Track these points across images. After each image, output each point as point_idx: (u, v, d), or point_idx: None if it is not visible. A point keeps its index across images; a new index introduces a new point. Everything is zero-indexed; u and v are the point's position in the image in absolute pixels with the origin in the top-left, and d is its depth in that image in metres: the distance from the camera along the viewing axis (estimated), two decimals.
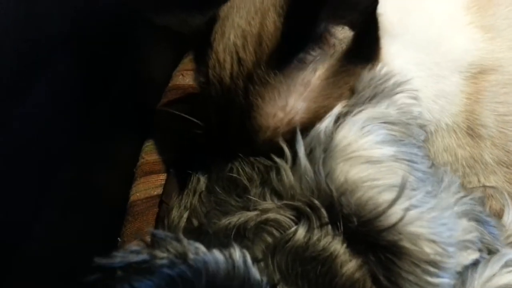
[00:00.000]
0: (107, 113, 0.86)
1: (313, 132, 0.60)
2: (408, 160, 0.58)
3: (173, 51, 1.14)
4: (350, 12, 0.65)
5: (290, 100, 0.66)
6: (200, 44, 0.74)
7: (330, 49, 0.66)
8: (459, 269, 0.56)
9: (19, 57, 0.62)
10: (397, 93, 0.64)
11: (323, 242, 0.56)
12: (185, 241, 0.51)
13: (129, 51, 0.93)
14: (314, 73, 0.66)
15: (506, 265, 0.60)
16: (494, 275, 0.59)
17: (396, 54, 0.69)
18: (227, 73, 0.69)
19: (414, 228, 0.53)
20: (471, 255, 0.58)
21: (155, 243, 0.51)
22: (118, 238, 0.83)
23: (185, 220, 0.67)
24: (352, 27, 0.66)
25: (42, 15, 0.66)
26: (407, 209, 0.53)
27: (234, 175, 0.64)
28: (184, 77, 1.08)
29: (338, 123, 0.60)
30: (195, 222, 0.65)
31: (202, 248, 0.51)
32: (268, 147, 0.66)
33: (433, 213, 0.55)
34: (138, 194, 0.88)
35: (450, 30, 0.72)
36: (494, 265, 0.59)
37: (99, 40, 0.80)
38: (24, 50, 0.63)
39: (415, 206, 0.54)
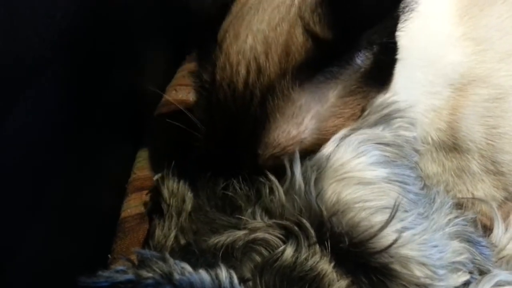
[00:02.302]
0: (98, 128, 0.87)
1: (316, 156, 0.61)
2: (401, 182, 0.60)
3: (167, 66, 1.15)
4: (374, 32, 0.64)
5: (305, 119, 0.65)
6: (206, 34, 0.72)
7: (352, 67, 0.65)
8: None
9: (3, 71, 0.62)
10: (395, 118, 0.65)
11: (310, 262, 0.56)
12: (171, 261, 0.51)
13: (121, 66, 0.93)
14: (334, 91, 0.66)
15: (496, 285, 0.61)
16: None
17: (397, 76, 0.69)
18: (240, 79, 0.66)
19: (405, 251, 0.54)
20: (462, 277, 0.59)
21: (141, 263, 0.51)
22: (109, 255, 0.82)
23: (172, 239, 0.68)
24: (374, 47, 0.66)
25: (27, 28, 0.65)
26: (399, 232, 0.55)
27: (230, 193, 0.65)
28: (177, 92, 1.08)
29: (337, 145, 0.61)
30: (183, 241, 0.66)
31: (188, 268, 0.51)
32: (271, 164, 0.65)
33: (424, 235, 0.56)
34: (129, 211, 0.88)
35: (445, 47, 0.73)
36: (485, 286, 0.60)
37: (88, 54, 0.80)
38: (9, 62, 0.63)
39: (407, 228, 0.56)
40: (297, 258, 0.56)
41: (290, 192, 0.59)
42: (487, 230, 0.73)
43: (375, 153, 0.61)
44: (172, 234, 0.69)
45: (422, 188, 0.63)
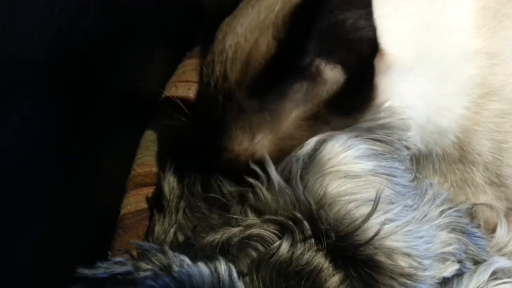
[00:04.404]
0: (97, 125, 0.88)
1: (288, 158, 0.62)
2: (388, 174, 0.61)
3: (167, 62, 1.16)
4: (344, 51, 0.62)
5: (258, 135, 0.66)
6: (214, 25, 0.73)
7: (316, 88, 0.64)
8: (436, 280, 0.59)
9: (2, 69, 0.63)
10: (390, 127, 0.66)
11: (306, 256, 0.58)
12: (170, 253, 0.53)
13: (120, 63, 0.94)
14: (291, 112, 0.65)
15: (494, 276, 0.63)
16: (480, 286, 0.61)
17: (406, 91, 0.69)
18: (214, 80, 0.68)
19: (389, 242, 0.56)
20: (450, 267, 0.61)
21: (140, 255, 0.52)
22: (109, 252, 0.83)
23: (172, 235, 0.70)
24: (345, 69, 0.63)
25: (26, 24, 0.66)
26: (382, 223, 0.56)
27: (213, 194, 0.67)
28: (178, 89, 1.09)
29: (322, 141, 0.62)
30: (181, 237, 0.68)
31: (187, 260, 0.53)
32: (233, 167, 0.67)
33: (409, 226, 0.58)
34: (129, 207, 0.90)
35: (462, 60, 0.72)
36: (480, 276, 0.62)
37: (87, 51, 0.81)
38: (8, 59, 0.64)
39: (391, 220, 0.57)
40: (293, 253, 0.58)
41: (273, 191, 0.61)
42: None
43: (362, 146, 0.62)
44: (172, 230, 0.71)
45: (412, 181, 0.65)
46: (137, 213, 0.89)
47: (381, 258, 0.56)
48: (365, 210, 0.57)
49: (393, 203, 0.59)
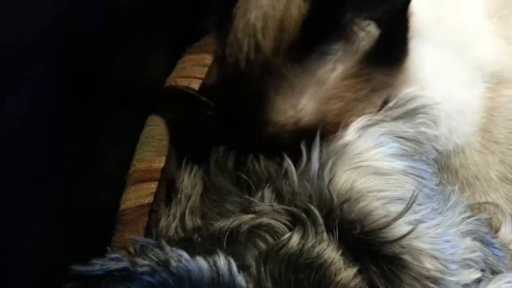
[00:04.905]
0: (96, 120, 0.87)
1: (337, 144, 0.62)
2: (417, 176, 0.61)
3: (167, 57, 1.15)
4: (377, 6, 0.63)
5: (302, 99, 0.65)
6: (225, 7, 0.72)
7: (353, 46, 0.65)
8: (459, 287, 0.59)
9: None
10: (418, 114, 0.66)
11: (317, 249, 0.57)
12: (167, 248, 0.52)
13: (120, 58, 0.93)
14: (332, 72, 0.65)
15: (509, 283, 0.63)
16: None
17: (427, 56, 0.69)
18: (243, 55, 0.67)
19: (417, 243, 0.56)
20: (473, 274, 0.61)
21: (137, 251, 0.51)
22: (108, 248, 0.82)
23: (173, 229, 0.69)
24: (379, 24, 0.64)
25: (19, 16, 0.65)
26: (413, 224, 0.56)
27: (240, 174, 0.66)
28: (178, 84, 1.07)
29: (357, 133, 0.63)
30: (189, 224, 0.67)
31: (185, 255, 0.52)
32: (275, 142, 0.66)
33: (438, 229, 0.58)
34: (128, 203, 0.89)
35: (477, 37, 0.73)
36: (496, 284, 0.62)
37: (85, 48, 0.80)
38: (8, 43, 0.62)
39: (420, 221, 0.57)
40: (303, 245, 0.57)
41: (303, 177, 0.60)
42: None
43: (394, 145, 0.62)
44: (175, 223, 0.70)
45: (438, 185, 0.65)
46: (136, 209, 0.88)
47: (407, 257, 0.56)
48: (394, 208, 0.57)
49: (421, 205, 0.59)
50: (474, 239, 0.63)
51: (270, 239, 0.58)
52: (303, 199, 0.59)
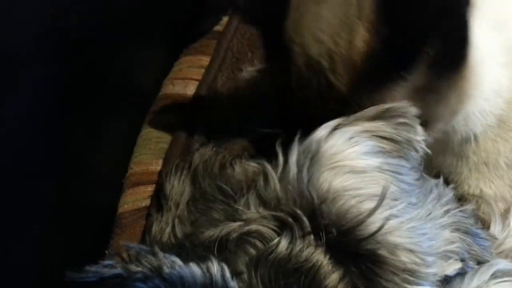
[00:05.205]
0: (94, 123, 0.89)
1: (307, 141, 0.62)
2: (393, 172, 0.61)
3: (164, 59, 1.16)
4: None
5: None
6: (272, 30, 0.71)
7: (422, 59, 0.64)
8: (438, 278, 0.59)
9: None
10: (396, 116, 0.66)
11: (305, 253, 0.57)
12: (160, 254, 0.52)
13: (117, 60, 0.95)
14: (404, 89, 0.66)
15: (494, 275, 0.64)
16: (481, 285, 0.62)
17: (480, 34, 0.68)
18: (314, 91, 0.67)
19: (392, 238, 0.56)
20: (453, 265, 0.61)
21: (130, 258, 0.51)
22: (106, 251, 0.83)
23: (167, 235, 0.70)
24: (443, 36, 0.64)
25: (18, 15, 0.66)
26: (386, 219, 0.56)
27: (221, 184, 0.66)
28: (174, 86, 1.10)
29: (330, 133, 0.62)
30: (180, 233, 0.68)
31: (178, 261, 0.53)
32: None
33: (413, 223, 0.58)
34: (125, 206, 0.91)
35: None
36: (482, 275, 0.63)
37: (82, 50, 0.81)
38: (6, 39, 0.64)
39: (395, 216, 0.57)
40: (292, 249, 0.57)
41: (284, 182, 0.60)
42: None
43: (369, 143, 0.62)
44: (168, 229, 0.70)
45: (418, 179, 0.65)
46: (134, 212, 0.90)
47: (384, 253, 0.56)
48: (369, 205, 0.57)
49: (397, 200, 0.59)
50: (457, 230, 0.64)
51: (259, 244, 0.58)
52: (288, 204, 0.59)
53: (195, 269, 0.52)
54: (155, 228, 0.72)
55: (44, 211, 0.75)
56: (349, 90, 0.65)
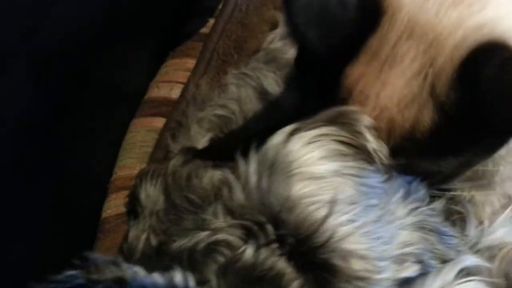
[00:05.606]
0: (79, 125, 0.89)
1: (264, 148, 0.62)
2: (353, 175, 0.62)
3: (150, 62, 1.16)
4: None
5: None
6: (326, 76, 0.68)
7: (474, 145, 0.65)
8: (394, 282, 0.60)
9: None
10: (351, 123, 0.65)
11: (270, 261, 0.58)
12: (123, 265, 0.53)
13: (103, 64, 0.95)
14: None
15: (460, 274, 0.64)
16: (444, 286, 0.63)
17: None
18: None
19: (345, 245, 0.57)
20: (408, 268, 0.61)
21: (94, 268, 0.53)
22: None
23: (143, 242, 0.71)
24: None
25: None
26: (340, 225, 0.57)
27: (188, 194, 0.68)
28: (160, 89, 1.10)
29: (286, 139, 0.62)
30: (154, 242, 0.69)
31: (141, 271, 0.53)
32: None
33: (368, 227, 0.58)
34: (109, 211, 0.93)
35: None
36: (445, 275, 0.63)
37: (69, 49, 0.81)
38: None
39: (350, 221, 0.58)
40: (257, 258, 0.58)
41: (246, 190, 0.61)
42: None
43: (327, 147, 0.62)
44: (144, 236, 0.70)
45: (383, 181, 0.64)
46: (117, 217, 0.91)
47: (338, 261, 0.57)
48: (324, 212, 0.57)
49: (355, 203, 0.60)
50: (421, 229, 0.64)
51: (227, 253, 0.60)
52: (252, 212, 0.60)
53: (158, 279, 0.54)
54: (131, 235, 0.74)
55: (33, 214, 0.76)
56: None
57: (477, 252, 0.72)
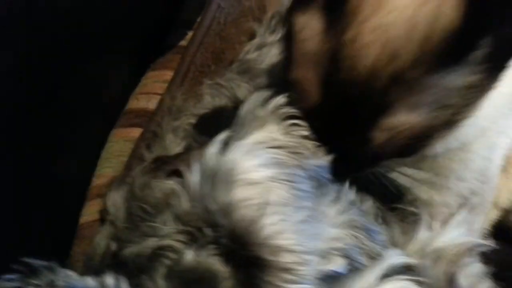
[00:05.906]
0: (59, 135, 0.93)
1: (204, 159, 0.67)
2: (288, 180, 0.67)
3: (131, 72, 1.19)
4: None
5: (425, 107, 0.62)
6: None
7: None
8: (318, 275, 0.64)
9: None
10: (285, 119, 0.71)
11: (207, 263, 0.64)
12: (57, 269, 0.56)
13: (82, 75, 0.97)
14: (462, 81, 0.61)
15: (386, 274, 0.68)
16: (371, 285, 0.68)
17: None
18: (368, 61, 0.60)
19: (276, 241, 0.62)
20: (334, 262, 0.67)
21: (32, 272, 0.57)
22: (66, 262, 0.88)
23: (104, 248, 0.77)
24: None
25: None
26: (271, 224, 0.63)
27: (142, 204, 0.72)
28: (139, 101, 1.14)
29: (226, 147, 0.68)
30: (113, 248, 0.74)
31: (73, 276, 0.57)
32: (387, 149, 0.67)
33: (300, 225, 0.64)
34: (86, 217, 0.98)
35: None
36: (370, 276, 0.68)
37: (47, 61, 0.84)
38: None
39: (281, 220, 0.63)
40: (197, 260, 0.64)
41: (190, 197, 0.67)
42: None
43: (265, 156, 0.68)
44: (104, 242, 0.74)
45: (316, 187, 0.70)
46: (93, 223, 0.96)
47: (267, 256, 0.62)
48: (258, 213, 0.63)
49: (286, 206, 0.65)
50: (351, 227, 0.70)
51: (172, 257, 0.65)
52: (195, 218, 0.65)
53: (89, 283, 0.58)
54: (96, 240, 0.78)
55: (11, 218, 0.80)
56: (411, 66, 0.59)
57: (424, 254, 0.76)
